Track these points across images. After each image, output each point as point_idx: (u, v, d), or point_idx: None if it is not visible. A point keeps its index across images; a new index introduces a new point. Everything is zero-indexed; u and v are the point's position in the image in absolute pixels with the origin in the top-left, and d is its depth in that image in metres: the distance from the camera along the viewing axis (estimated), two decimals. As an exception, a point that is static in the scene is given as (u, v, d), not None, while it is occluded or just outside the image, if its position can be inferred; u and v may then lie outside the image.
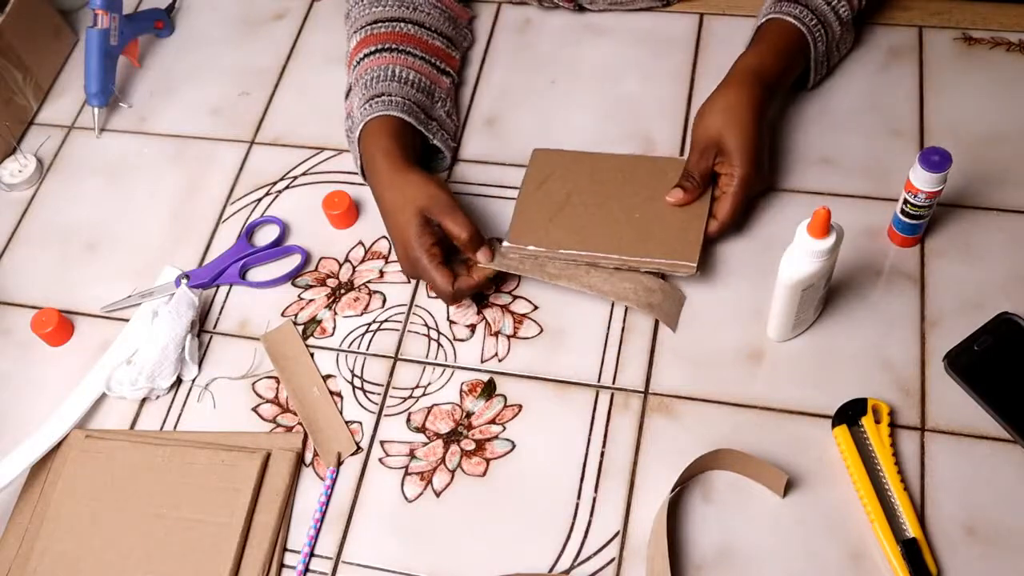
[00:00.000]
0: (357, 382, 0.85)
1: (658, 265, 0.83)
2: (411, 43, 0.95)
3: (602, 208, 0.87)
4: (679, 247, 0.83)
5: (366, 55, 0.94)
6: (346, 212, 0.92)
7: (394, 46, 0.94)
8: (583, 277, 0.84)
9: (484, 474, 0.79)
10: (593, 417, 0.80)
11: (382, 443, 0.82)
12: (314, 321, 0.89)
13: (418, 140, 0.92)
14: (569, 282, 0.84)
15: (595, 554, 0.74)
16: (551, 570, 0.74)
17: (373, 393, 0.84)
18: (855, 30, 0.97)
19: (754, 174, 0.84)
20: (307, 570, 0.77)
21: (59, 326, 0.90)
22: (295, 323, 0.89)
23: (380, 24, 0.95)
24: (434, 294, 0.87)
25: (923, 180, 0.77)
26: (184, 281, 0.92)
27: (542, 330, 0.85)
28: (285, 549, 0.78)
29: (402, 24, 0.96)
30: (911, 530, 0.71)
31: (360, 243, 0.93)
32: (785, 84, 0.91)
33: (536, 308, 0.87)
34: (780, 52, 0.88)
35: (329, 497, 0.79)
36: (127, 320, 0.90)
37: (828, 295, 0.81)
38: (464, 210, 0.83)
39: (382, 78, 0.92)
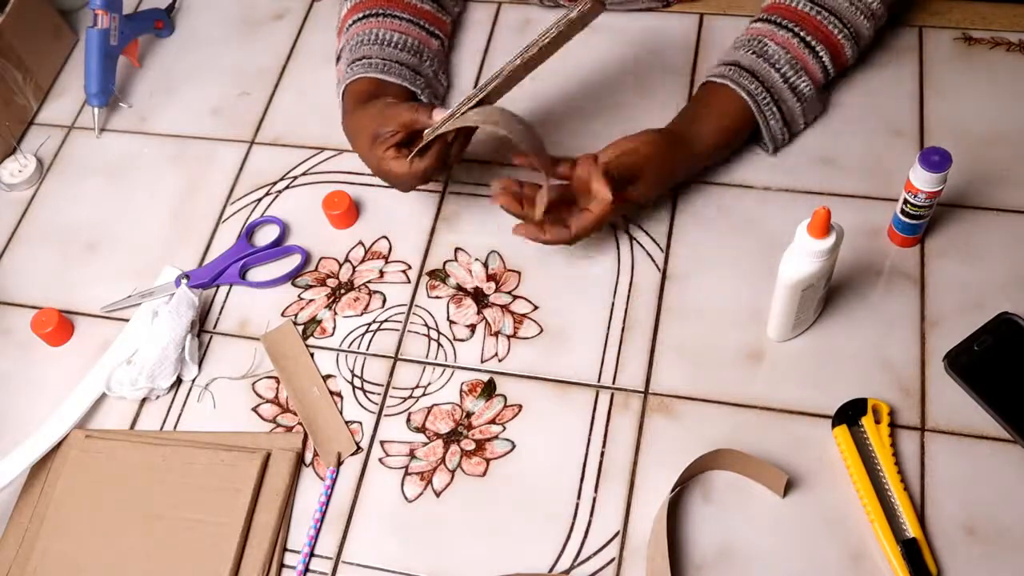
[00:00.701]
0: (357, 382, 0.85)
1: (569, 19, 0.81)
2: (397, 7, 0.96)
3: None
4: None
5: (354, 21, 0.96)
6: (346, 212, 0.92)
7: (380, 10, 0.95)
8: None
9: (484, 474, 0.79)
10: (593, 417, 0.80)
11: (382, 443, 0.82)
12: (314, 321, 0.89)
13: (403, 95, 0.93)
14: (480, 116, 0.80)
15: (595, 554, 0.74)
16: (551, 570, 0.74)
17: (373, 393, 0.84)
18: (828, 93, 0.94)
19: (620, 208, 0.82)
20: (307, 570, 0.77)
21: (59, 326, 0.90)
22: (295, 323, 0.89)
23: None
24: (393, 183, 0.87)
25: (923, 180, 0.77)
26: (184, 281, 0.92)
27: (542, 330, 0.85)
28: (285, 549, 0.78)
29: None
30: (911, 530, 0.71)
31: (360, 243, 0.93)
32: (718, 158, 0.90)
33: (536, 308, 0.87)
34: (723, 129, 0.87)
35: (329, 497, 0.79)
36: (127, 320, 0.90)
37: (828, 295, 0.81)
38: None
39: (365, 42, 0.94)
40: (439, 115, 0.82)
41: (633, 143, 0.83)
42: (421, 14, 0.98)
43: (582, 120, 0.98)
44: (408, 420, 0.83)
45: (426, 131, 0.82)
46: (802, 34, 0.88)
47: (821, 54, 0.88)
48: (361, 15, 0.96)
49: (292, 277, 0.92)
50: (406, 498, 0.79)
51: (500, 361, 0.84)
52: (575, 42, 1.03)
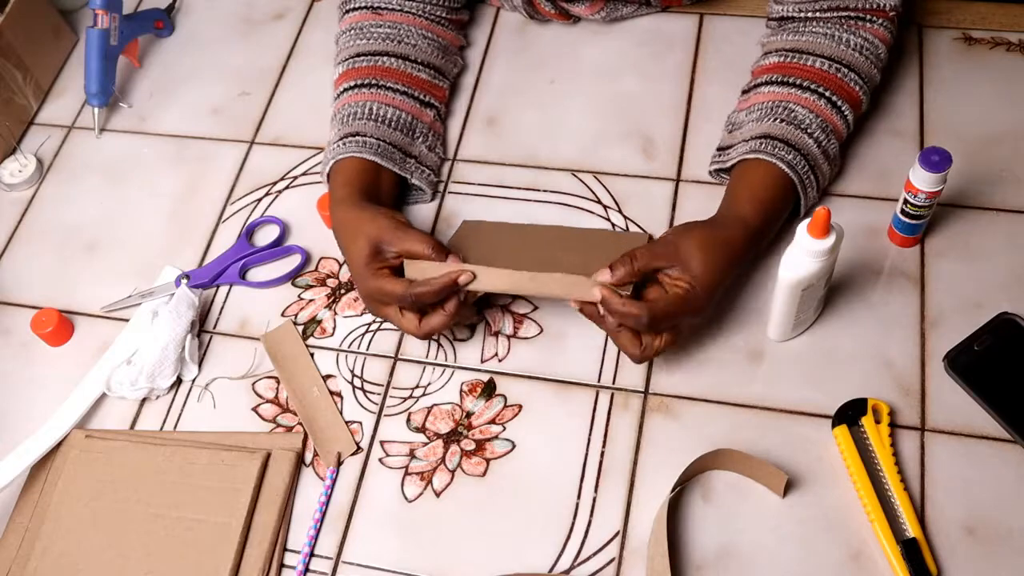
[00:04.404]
0: (357, 382, 0.85)
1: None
2: (392, 78, 0.93)
3: (535, 254, 0.82)
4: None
5: (346, 89, 0.93)
6: (345, 212, 0.93)
7: (374, 81, 0.92)
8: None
9: (484, 474, 0.79)
10: (593, 417, 0.80)
11: (382, 443, 0.82)
12: (314, 321, 0.89)
13: (393, 179, 0.90)
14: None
15: (595, 554, 0.74)
16: (551, 570, 0.74)
17: (373, 393, 0.84)
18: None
19: (702, 298, 0.74)
20: (307, 570, 0.77)
21: (59, 326, 0.90)
22: (295, 323, 0.89)
23: (362, 58, 0.93)
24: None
25: (923, 180, 0.77)
26: (184, 281, 0.92)
27: (542, 330, 0.85)
28: (285, 549, 0.78)
29: (384, 58, 0.93)
30: (911, 530, 0.71)
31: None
32: (767, 236, 0.83)
33: (536, 308, 0.87)
34: (770, 207, 0.81)
35: (329, 497, 0.79)
36: (127, 320, 0.90)
37: (828, 295, 0.81)
38: (420, 231, 0.80)
39: (358, 115, 0.90)
40: (452, 263, 0.77)
41: (668, 237, 0.77)
42: (417, 84, 0.94)
43: (582, 119, 0.98)
44: (408, 420, 0.83)
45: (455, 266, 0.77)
46: (827, 94, 0.84)
47: (846, 112, 0.84)
48: (354, 83, 0.92)
49: (292, 277, 0.92)
50: (406, 498, 0.79)
51: (500, 361, 0.84)
52: (575, 42, 1.04)
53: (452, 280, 0.76)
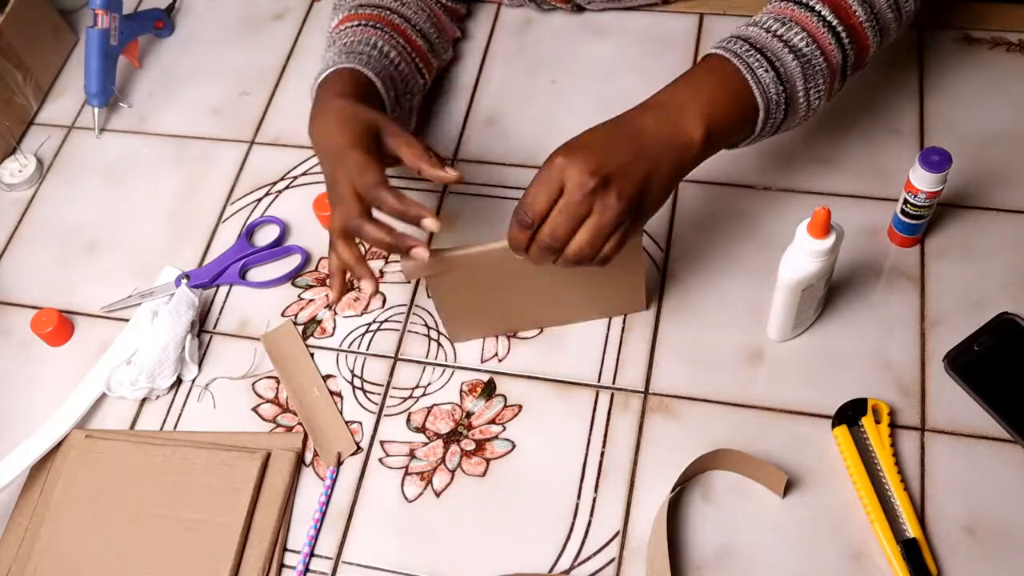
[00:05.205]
0: (357, 382, 0.85)
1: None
2: (397, 31, 0.89)
3: (524, 290, 0.79)
4: (624, 298, 0.82)
5: (348, 27, 0.88)
6: (342, 213, 0.92)
7: (380, 26, 0.88)
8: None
9: (484, 474, 0.79)
10: (593, 417, 0.80)
11: (382, 443, 0.82)
12: (314, 321, 0.89)
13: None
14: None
15: (595, 554, 0.74)
16: (551, 570, 0.74)
17: (373, 393, 0.84)
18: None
19: (568, 153, 0.69)
20: (307, 570, 0.77)
21: (59, 326, 0.90)
22: (295, 323, 0.89)
23: (367, 8, 0.90)
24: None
25: (923, 180, 0.77)
26: (184, 281, 0.92)
27: (542, 330, 0.85)
28: (285, 549, 0.78)
29: (388, 12, 0.91)
30: (911, 530, 0.71)
31: (360, 243, 0.93)
32: (720, 137, 0.72)
33: (536, 308, 0.87)
34: (709, 96, 0.71)
35: (329, 497, 0.79)
36: (127, 320, 0.90)
37: (828, 295, 0.81)
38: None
39: (363, 43, 0.85)
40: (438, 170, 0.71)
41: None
42: (416, 49, 0.91)
43: (582, 119, 0.98)
44: (408, 420, 0.83)
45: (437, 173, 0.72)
46: (811, 4, 0.74)
47: (835, 25, 0.73)
48: (357, 23, 0.88)
49: (292, 277, 0.92)
50: (406, 498, 0.79)
51: (500, 361, 0.84)
52: (575, 42, 1.04)
53: (420, 215, 0.70)
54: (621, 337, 0.84)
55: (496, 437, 0.81)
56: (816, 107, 0.76)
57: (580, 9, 1.05)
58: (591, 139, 0.70)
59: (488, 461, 0.80)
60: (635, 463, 0.78)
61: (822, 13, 0.74)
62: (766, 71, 0.72)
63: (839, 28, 0.74)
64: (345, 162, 0.72)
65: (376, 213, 0.73)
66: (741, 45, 0.73)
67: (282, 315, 0.90)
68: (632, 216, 0.68)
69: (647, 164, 0.68)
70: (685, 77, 0.73)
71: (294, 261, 0.92)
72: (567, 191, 0.67)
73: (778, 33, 0.73)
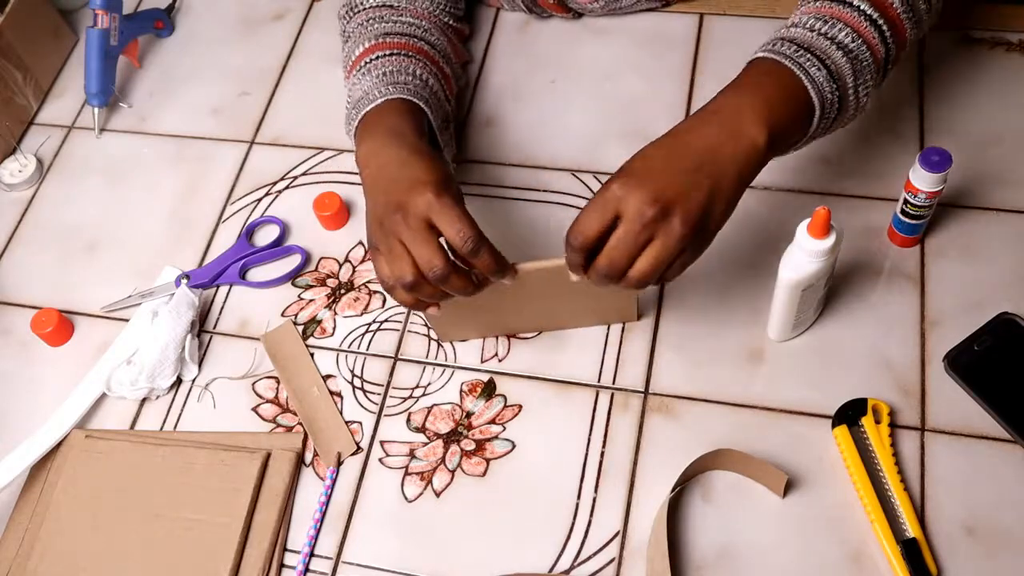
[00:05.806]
0: (357, 382, 0.85)
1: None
2: (428, 59, 0.87)
3: (516, 301, 0.78)
4: (615, 310, 0.83)
5: (382, 56, 0.84)
6: (336, 214, 0.92)
7: (411, 55, 0.86)
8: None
9: (484, 474, 0.79)
10: (593, 417, 0.80)
11: (382, 443, 0.82)
12: (314, 321, 0.89)
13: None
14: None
15: (595, 554, 0.74)
16: (551, 570, 0.74)
17: (373, 393, 0.84)
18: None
19: (625, 183, 0.66)
20: (307, 570, 0.77)
21: (59, 326, 0.90)
22: (295, 323, 0.89)
23: (392, 36, 0.87)
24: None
25: (923, 180, 0.77)
26: (184, 281, 0.92)
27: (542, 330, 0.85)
28: (285, 549, 0.78)
29: (417, 40, 0.88)
30: (911, 530, 0.71)
31: (360, 243, 0.93)
32: (783, 141, 0.70)
33: (536, 308, 0.87)
34: (766, 98, 0.69)
35: (329, 497, 0.79)
36: (127, 320, 0.90)
37: (828, 295, 0.81)
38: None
39: (401, 72, 0.82)
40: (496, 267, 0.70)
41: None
42: (444, 77, 0.89)
43: (582, 119, 0.98)
44: (408, 420, 0.83)
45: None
46: (855, 2, 0.73)
47: (877, 19, 0.72)
48: (388, 52, 0.84)
49: (292, 277, 0.92)
50: (406, 498, 0.79)
51: (500, 361, 0.84)
52: (575, 42, 1.04)
53: (501, 267, 0.69)
54: (621, 337, 0.84)
55: (496, 437, 0.81)
56: (864, 104, 0.74)
57: (579, 16, 1.05)
58: (647, 164, 0.67)
59: (488, 461, 0.80)
60: (635, 463, 0.78)
61: (863, 8, 0.72)
62: (819, 70, 0.70)
63: (881, 22, 0.73)
64: (430, 210, 0.68)
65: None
66: (788, 46, 0.71)
67: (282, 315, 0.90)
68: (697, 238, 0.66)
69: (709, 181, 0.66)
70: (735, 83, 0.71)
71: (294, 261, 0.92)
72: (626, 220, 0.65)
73: (823, 31, 0.72)
